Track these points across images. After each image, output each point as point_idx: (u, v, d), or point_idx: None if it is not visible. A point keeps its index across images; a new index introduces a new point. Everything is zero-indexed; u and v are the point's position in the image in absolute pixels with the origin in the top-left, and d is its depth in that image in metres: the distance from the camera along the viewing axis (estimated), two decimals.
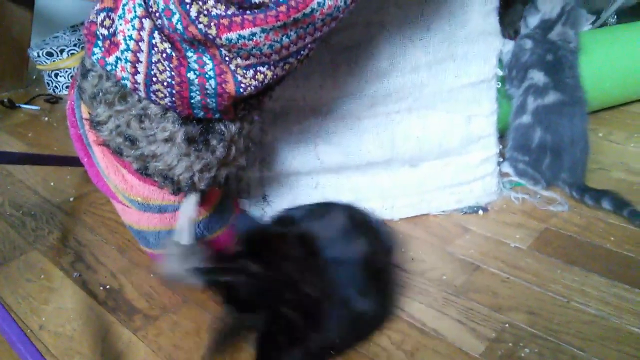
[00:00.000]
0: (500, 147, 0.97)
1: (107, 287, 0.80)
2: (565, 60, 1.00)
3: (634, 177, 1.04)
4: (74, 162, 1.10)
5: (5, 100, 1.57)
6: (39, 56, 1.60)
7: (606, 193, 0.93)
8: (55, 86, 1.67)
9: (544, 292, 0.75)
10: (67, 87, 1.67)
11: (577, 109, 0.98)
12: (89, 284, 0.81)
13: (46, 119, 1.49)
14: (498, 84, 0.93)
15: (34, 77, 1.83)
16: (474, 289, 0.76)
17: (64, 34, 1.69)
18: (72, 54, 1.62)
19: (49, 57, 1.60)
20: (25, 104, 1.58)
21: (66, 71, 1.65)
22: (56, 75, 1.65)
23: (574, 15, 1.03)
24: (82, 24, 1.74)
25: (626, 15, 1.67)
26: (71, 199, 1.05)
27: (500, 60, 0.92)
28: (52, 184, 1.11)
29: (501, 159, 0.99)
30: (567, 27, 1.02)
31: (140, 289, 0.79)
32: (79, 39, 1.65)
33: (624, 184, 1.00)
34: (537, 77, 1.00)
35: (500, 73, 0.93)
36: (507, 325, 0.69)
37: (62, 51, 1.61)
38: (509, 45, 1.05)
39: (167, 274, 0.69)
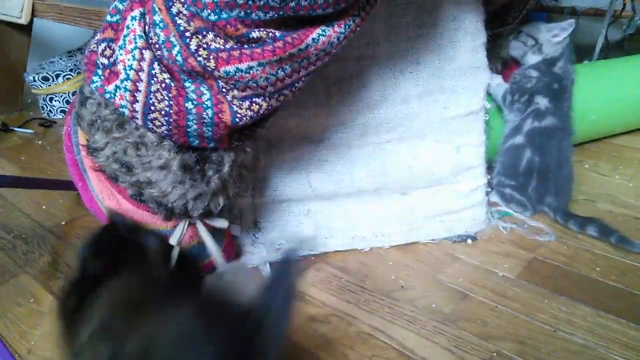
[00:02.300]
0: (489, 177, 0.99)
1: None
2: (567, 90, 1.06)
3: (619, 208, 1.06)
4: (67, 186, 1.10)
5: (0, 123, 1.58)
6: (34, 80, 1.62)
7: (591, 220, 0.95)
8: (50, 110, 1.68)
9: (531, 321, 0.76)
10: (61, 111, 1.68)
11: (566, 135, 1.03)
12: None
13: (40, 142, 1.50)
14: (486, 116, 0.96)
15: (29, 100, 1.84)
16: (463, 317, 0.77)
17: (60, 59, 1.72)
18: (67, 78, 1.64)
19: (44, 82, 1.62)
20: (19, 127, 1.59)
21: (61, 96, 1.66)
22: (51, 99, 1.66)
23: (570, 51, 1.08)
24: (79, 49, 1.77)
25: (611, 50, 1.73)
26: (63, 223, 1.05)
27: (488, 94, 0.95)
28: (44, 207, 1.11)
29: (489, 189, 1.01)
30: (568, 63, 1.08)
31: None
32: (74, 64, 1.67)
33: (609, 216, 1.02)
34: (542, 102, 1.04)
35: (489, 105, 0.95)
36: (495, 354, 0.70)
37: (57, 76, 1.63)
38: (498, 78, 1.09)
39: None
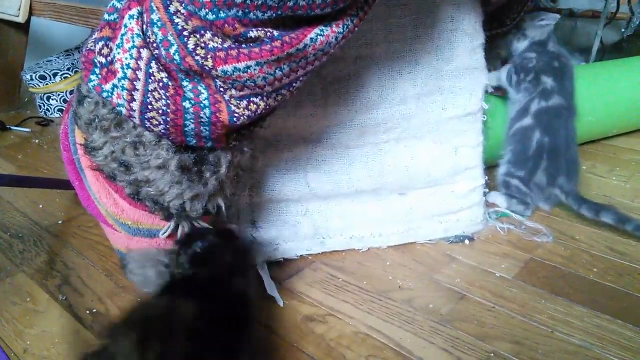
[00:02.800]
0: (487, 178, 0.99)
1: (94, 310, 0.79)
2: (567, 70, 1.05)
3: None
4: (64, 185, 1.10)
5: None
6: (31, 79, 1.62)
7: (606, 207, 0.95)
8: (47, 109, 1.68)
9: (528, 321, 0.76)
10: (58, 110, 1.68)
11: (571, 114, 1.03)
12: (75, 307, 0.80)
13: (36, 141, 1.49)
14: (484, 117, 0.96)
15: (26, 99, 1.84)
16: (460, 317, 0.77)
17: (58, 58, 1.71)
18: (64, 77, 1.64)
19: (42, 80, 1.62)
20: (16, 126, 1.59)
21: (58, 94, 1.66)
22: (48, 98, 1.66)
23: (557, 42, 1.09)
24: (76, 48, 1.77)
25: (608, 52, 1.73)
26: (59, 222, 1.05)
27: (486, 94, 0.95)
28: (40, 206, 1.11)
29: (487, 190, 1.01)
30: (558, 45, 1.08)
31: None
32: (72, 63, 1.67)
33: None
34: (548, 82, 1.03)
35: (486, 106, 0.96)
36: (492, 354, 0.70)
37: (55, 75, 1.62)
38: (495, 72, 1.09)
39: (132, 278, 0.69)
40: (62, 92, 1.65)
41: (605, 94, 1.27)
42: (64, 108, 1.67)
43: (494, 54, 1.18)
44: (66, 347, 0.72)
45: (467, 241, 0.96)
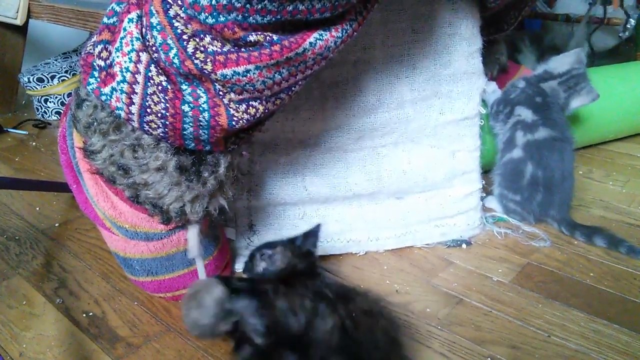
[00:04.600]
0: (484, 182, 1.00)
1: (90, 314, 0.79)
2: (553, 105, 1.04)
3: (612, 214, 1.07)
4: (61, 187, 1.10)
5: None
6: (29, 81, 1.61)
7: (598, 230, 0.95)
8: (45, 111, 1.68)
9: (525, 326, 0.76)
10: (56, 112, 1.67)
11: (567, 145, 1.01)
12: (72, 310, 0.80)
13: (34, 144, 1.49)
14: (481, 122, 0.96)
15: (23, 102, 1.83)
16: (457, 322, 0.77)
17: (55, 60, 1.71)
18: (62, 80, 1.63)
19: (39, 83, 1.62)
20: (14, 128, 1.59)
21: (56, 97, 1.65)
22: (46, 100, 1.66)
23: (577, 83, 1.07)
24: (74, 51, 1.77)
25: (603, 58, 1.74)
26: (56, 225, 1.05)
27: (483, 100, 0.95)
28: (37, 209, 1.11)
29: (484, 194, 1.01)
30: (561, 87, 1.07)
31: (124, 317, 0.78)
32: (70, 66, 1.67)
33: (603, 221, 1.03)
34: (525, 114, 1.03)
35: (484, 111, 0.96)
36: (489, 358, 0.70)
37: (52, 77, 1.62)
38: (492, 85, 1.09)
39: (194, 326, 0.63)
40: (60, 94, 1.65)
41: (601, 99, 1.28)
42: (61, 111, 1.66)
43: (493, 59, 1.19)
44: (62, 351, 0.72)
45: (464, 245, 0.96)
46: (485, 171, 1.04)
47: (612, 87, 1.30)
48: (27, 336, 0.75)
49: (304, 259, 0.74)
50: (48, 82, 1.62)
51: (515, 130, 1.03)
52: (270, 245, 0.75)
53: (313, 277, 0.72)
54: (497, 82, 1.16)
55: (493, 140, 1.09)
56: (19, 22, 1.51)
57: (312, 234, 0.76)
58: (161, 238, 0.74)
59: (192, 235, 0.73)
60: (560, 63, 1.08)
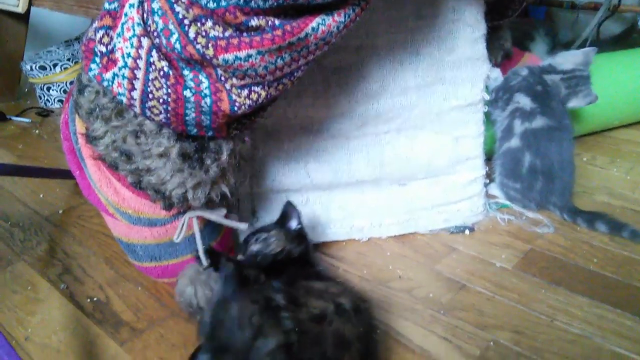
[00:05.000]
0: (487, 169, 0.99)
1: (95, 299, 0.80)
2: (553, 94, 1.04)
3: (616, 200, 1.06)
4: (64, 174, 1.10)
5: None
6: (32, 69, 1.61)
7: (599, 215, 0.95)
8: (47, 99, 1.68)
9: (528, 311, 0.76)
10: (59, 100, 1.67)
11: (565, 134, 1.01)
12: (76, 295, 0.80)
13: (37, 131, 1.49)
14: (485, 108, 0.95)
15: (26, 89, 1.83)
16: (460, 307, 0.77)
17: (58, 48, 1.71)
18: (65, 68, 1.63)
19: (42, 71, 1.61)
20: (17, 116, 1.59)
21: (58, 85, 1.65)
22: (48, 88, 1.66)
23: (578, 83, 1.07)
24: (76, 38, 1.76)
25: (609, 44, 1.72)
26: (60, 212, 1.05)
27: (486, 87, 0.95)
28: (41, 196, 1.11)
29: (487, 181, 1.01)
30: (562, 83, 1.06)
31: (128, 302, 0.79)
32: (72, 54, 1.66)
33: (607, 208, 1.03)
34: (524, 101, 1.02)
35: (487, 97, 0.95)
36: (492, 343, 0.70)
37: (55, 65, 1.62)
38: (496, 72, 1.09)
39: (183, 302, 0.71)
40: (62, 82, 1.65)
41: (606, 85, 1.27)
42: (64, 99, 1.66)
43: (497, 45, 1.18)
44: (67, 335, 0.73)
45: (467, 231, 0.96)
46: (488, 158, 1.03)
47: (617, 73, 1.29)
48: (32, 321, 0.75)
49: (298, 243, 0.76)
50: (50, 70, 1.62)
51: (514, 119, 1.02)
52: (265, 229, 0.77)
53: (305, 264, 0.75)
54: (501, 68, 1.15)
55: (491, 127, 1.08)
56: (20, 9, 1.51)
57: (289, 213, 0.80)
58: (164, 224, 0.75)
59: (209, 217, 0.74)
60: (566, 60, 1.07)
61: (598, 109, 1.27)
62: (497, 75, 1.09)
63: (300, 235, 0.78)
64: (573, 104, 1.08)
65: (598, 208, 1.01)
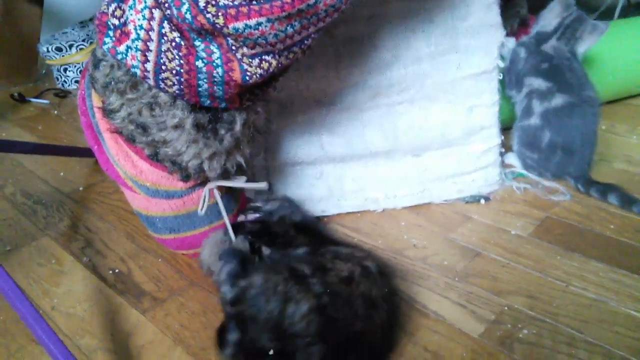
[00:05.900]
0: (502, 138, 0.98)
1: (117, 270, 0.82)
2: (562, 66, 1.00)
3: (635, 168, 1.05)
4: (84, 153, 1.13)
5: (16, 94, 1.60)
6: (48, 51, 1.63)
7: (612, 188, 0.94)
8: (64, 81, 1.70)
9: (543, 277, 0.76)
10: (76, 81, 1.69)
11: (587, 108, 0.98)
12: (99, 268, 0.83)
13: (55, 112, 1.52)
14: (500, 75, 0.94)
15: (43, 71, 1.86)
16: (475, 274, 0.78)
17: (73, 29, 1.72)
18: (80, 49, 1.65)
19: (58, 52, 1.63)
20: (35, 97, 1.61)
21: (75, 66, 1.67)
22: (65, 70, 1.68)
23: (574, 29, 1.02)
24: (91, 19, 1.77)
25: (631, 11, 1.68)
26: (80, 189, 1.07)
27: (502, 56, 0.93)
28: (61, 174, 1.13)
29: (503, 150, 1.00)
30: (561, 42, 1.02)
31: (149, 273, 0.81)
32: (87, 35, 1.68)
33: (625, 175, 1.02)
34: (537, 83, 1.00)
35: (502, 64, 0.94)
36: (506, 308, 0.71)
37: (70, 46, 1.64)
38: (511, 41, 1.06)
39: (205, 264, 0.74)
40: (79, 63, 1.67)
41: (626, 53, 1.24)
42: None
43: (513, 13, 1.16)
44: (91, 305, 0.75)
45: (482, 201, 0.96)
46: (505, 127, 1.02)
47: (637, 40, 1.26)
48: (58, 292, 0.78)
49: (289, 206, 0.80)
50: (66, 51, 1.63)
51: (532, 99, 1.00)
52: (252, 207, 0.84)
53: (309, 231, 0.77)
54: (517, 36, 1.13)
55: (508, 102, 1.06)
56: None
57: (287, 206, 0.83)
58: (181, 196, 0.76)
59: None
60: (547, 18, 1.04)
61: (618, 76, 1.25)
62: (512, 45, 1.06)
63: (288, 200, 0.84)
64: (584, 47, 1.04)
65: (616, 176, 1.00)
